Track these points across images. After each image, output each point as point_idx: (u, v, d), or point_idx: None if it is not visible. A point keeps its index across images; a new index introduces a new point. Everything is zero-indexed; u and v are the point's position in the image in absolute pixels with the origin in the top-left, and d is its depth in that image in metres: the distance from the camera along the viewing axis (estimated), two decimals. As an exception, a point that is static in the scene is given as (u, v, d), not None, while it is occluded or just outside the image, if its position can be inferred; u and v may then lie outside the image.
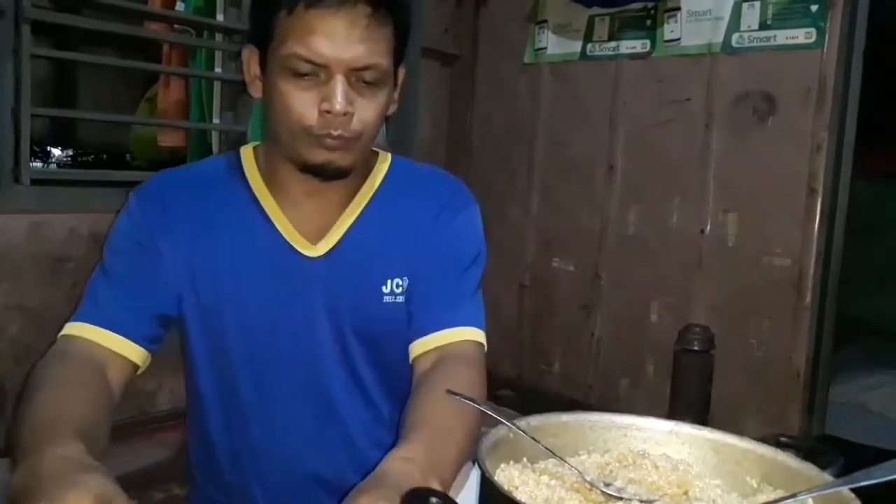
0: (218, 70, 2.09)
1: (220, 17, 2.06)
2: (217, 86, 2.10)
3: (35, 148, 2.77)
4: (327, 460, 1.06)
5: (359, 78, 0.92)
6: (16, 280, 1.59)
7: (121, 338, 0.94)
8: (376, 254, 1.04)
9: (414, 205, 1.07)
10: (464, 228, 1.08)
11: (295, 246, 1.02)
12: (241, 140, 2.03)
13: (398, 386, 1.04)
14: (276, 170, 1.02)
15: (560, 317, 2.30)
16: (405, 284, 1.04)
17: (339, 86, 0.90)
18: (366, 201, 1.06)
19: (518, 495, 0.68)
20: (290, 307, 1.02)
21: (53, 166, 2.97)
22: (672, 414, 1.28)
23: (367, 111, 0.94)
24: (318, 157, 0.94)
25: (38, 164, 2.85)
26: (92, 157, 3.03)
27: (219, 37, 2.10)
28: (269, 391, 1.04)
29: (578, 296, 2.26)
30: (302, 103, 0.92)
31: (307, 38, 0.89)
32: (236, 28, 2.03)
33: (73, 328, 0.94)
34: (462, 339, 1.02)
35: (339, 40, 0.89)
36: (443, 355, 1.00)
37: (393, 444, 0.82)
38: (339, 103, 0.90)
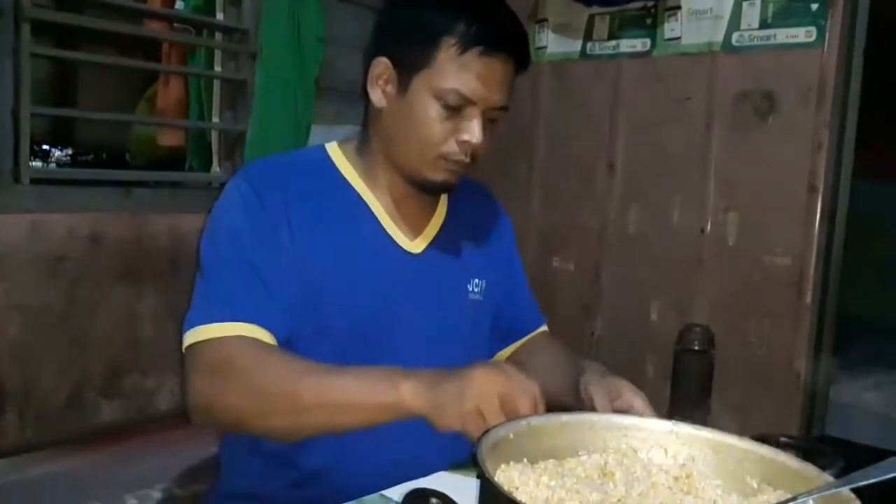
0: (217, 69, 2.09)
1: (219, 16, 2.06)
2: (216, 85, 2.09)
3: (34, 147, 2.76)
4: (415, 444, 1.05)
5: (489, 115, 1.03)
6: (15, 280, 1.59)
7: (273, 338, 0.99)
8: (462, 254, 1.15)
9: (479, 211, 1.23)
10: (513, 235, 1.30)
11: (398, 242, 1.09)
12: (241, 139, 2.02)
13: None
14: (377, 173, 1.10)
15: (560, 316, 2.29)
16: (483, 285, 1.17)
17: (478, 120, 1.01)
18: (446, 205, 1.17)
19: (518, 496, 0.68)
20: (390, 299, 1.06)
21: (53, 166, 2.96)
22: (672, 414, 1.28)
23: (486, 143, 1.04)
24: (439, 177, 1.04)
25: (38, 164, 2.84)
26: (91, 156, 3.01)
27: (218, 36, 2.09)
28: None
29: (579, 295, 2.26)
30: (443, 131, 1.01)
31: (471, 78, 0.99)
32: (236, 27, 2.03)
33: (244, 329, 0.95)
34: (545, 329, 1.31)
35: (494, 85, 1.01)
36: (545, 343, 1.29)
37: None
38: (478, 137, 1.01)
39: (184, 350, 0.97)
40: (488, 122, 1.03)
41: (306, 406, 0.89)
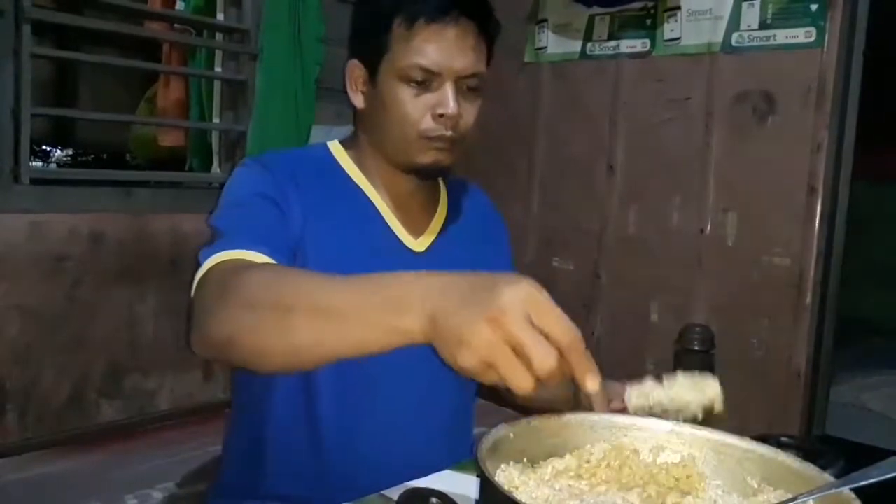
0: (218, 69, 2.10)
1: (220, 17, 2.07)
2: (217, 85, 2.10)
3: (35, 147, 2.76)
4: (421, 443, 1.07)
5: (464, 85, 1.01)
6: (16, 279, 1.59)
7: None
8: (464, 252, 1.13)
9: (477, 211, 1.22)
10: (508, 236, 1.29)
11: (402, 240, 1.09)
12: (241, 139, 2.03)
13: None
14: (375, 170, 1.10)
15: (560, 316, 2.29)
16: None
17: (450, 91, 1.00)
18: (446, 204, 1.16)
19: (518, 495, 0.68)
20: None
21: (53, 166, 2.96)
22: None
23: (469, 115, 1.03)
24: (428, 158, 1.03)
25: (38, 164, 2.84)
26: (92, 156, 3.02)
27: (219, 36, 2.10)
28: (370, 377, 1.04)
29: (579, 295, 2.26)
30: (417, 109, 1.00)
31: (425, 48, 0.99)
32: (236, 27, 2.03)
33: (236, 253, 0.87)
34: None
35: (452, 51, 0.99)
36: None
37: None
38: (451, 107, 0.99)
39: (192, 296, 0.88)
40: (467, 92, 1.02)
41: (293, 311, 0.71)
